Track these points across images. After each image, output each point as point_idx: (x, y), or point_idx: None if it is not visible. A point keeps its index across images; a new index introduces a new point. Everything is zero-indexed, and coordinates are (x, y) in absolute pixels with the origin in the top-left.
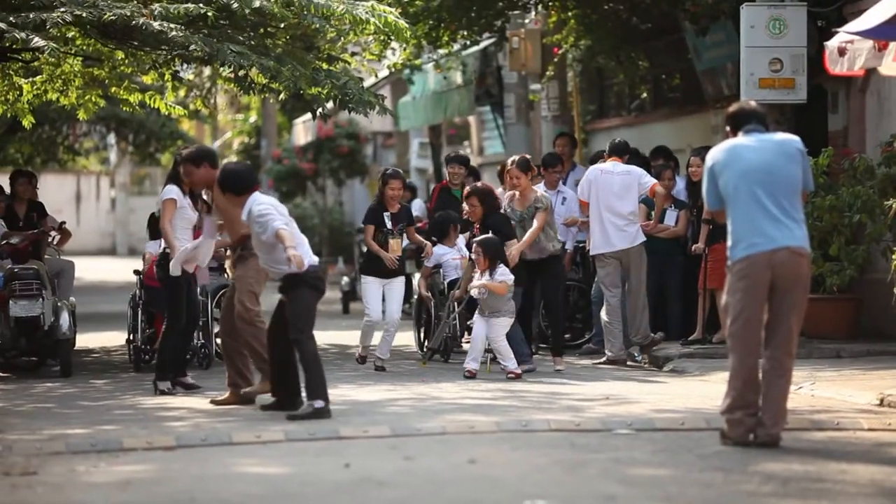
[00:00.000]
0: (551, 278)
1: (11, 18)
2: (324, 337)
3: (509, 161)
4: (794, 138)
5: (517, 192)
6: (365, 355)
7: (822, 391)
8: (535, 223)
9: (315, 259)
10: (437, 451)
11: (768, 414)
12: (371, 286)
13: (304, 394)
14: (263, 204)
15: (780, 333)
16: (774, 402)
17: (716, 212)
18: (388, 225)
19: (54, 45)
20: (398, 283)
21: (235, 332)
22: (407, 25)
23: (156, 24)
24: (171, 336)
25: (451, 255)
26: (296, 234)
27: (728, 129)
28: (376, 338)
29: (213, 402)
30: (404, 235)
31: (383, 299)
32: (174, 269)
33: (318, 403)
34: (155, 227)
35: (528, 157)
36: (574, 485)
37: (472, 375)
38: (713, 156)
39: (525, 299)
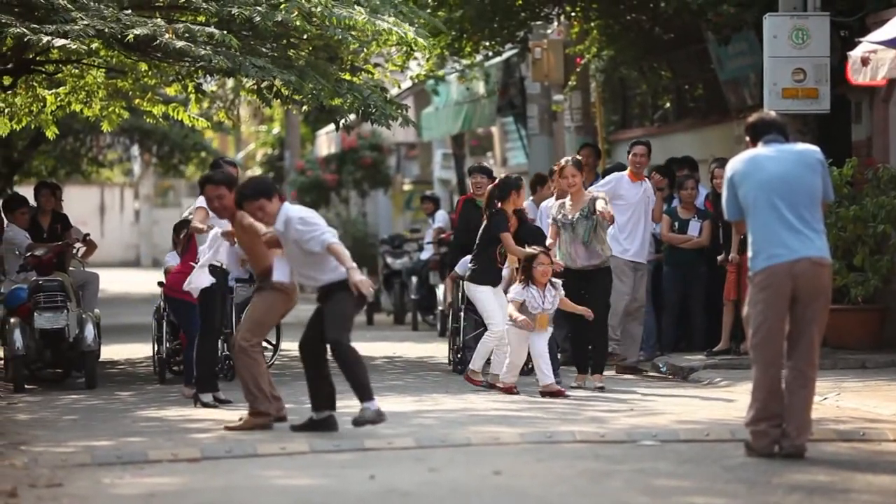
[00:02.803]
0: (600, 290)
1: (34, 26)
2: None
3: (563, 161)
4: (814, 149)
5: (569, 196)
6: (509, 384)
7: (847, 402)
8: (601, 208)
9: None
10: (461, 462)
11: (793, 425)
12: (488, 294)
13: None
14: (304, 210)
15: (803, 344)
16: (798, 412)
17: (735, 222)
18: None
19: (80, 43)
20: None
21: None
22: (425, 44)
23: (178, 44)
24: (206, 347)
25: None
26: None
27: (748, 138)
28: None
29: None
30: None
31: None
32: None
33: (374, 405)
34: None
35: (578, 157)
36: (599, 496)
37: (510, 390)
38: (733, 166)
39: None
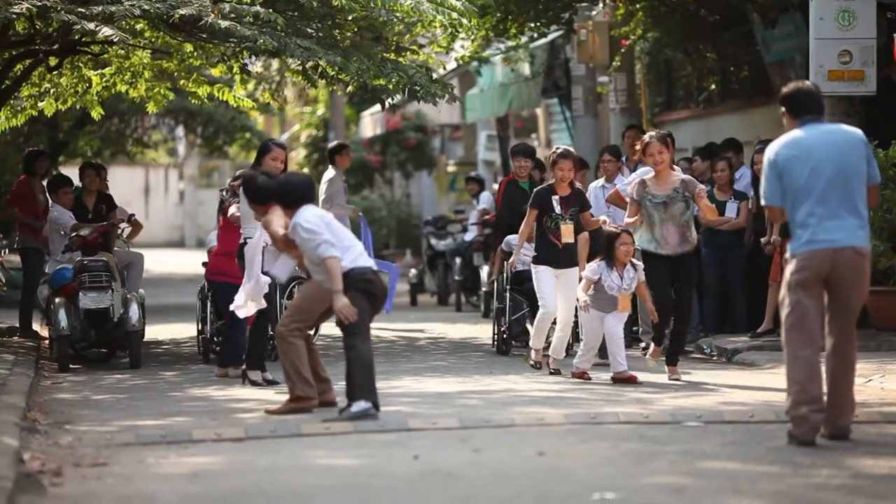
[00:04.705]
0: (688, 278)
1: (81, 9)
2: (392, 329)
3: (646, 137)
4: (857, 131)
5: (654, 174)
6: (540, 360)
7: (892, 384)
8: (702, 205)
9: (365, 262)
10: (505, 443)
11: (836, 407)
12: (544, 275)
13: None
14: (311, 216)
15: (843, 328)
16: (842, 393)
17: (773, 208)
18: (558, 209)
19: (123, 34)
20: (572, 274)
21: None
22: (469, 25)
23: (223, 24)
24: (260, 326)
25: (525, 250)
26: (346, 243)
27: (784, 109)
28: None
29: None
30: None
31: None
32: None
33: (359, 405)
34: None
35: (664, 132)
36: (643, 477)
37: (582, 376)
38: (777, 150)
39: (658, 299)
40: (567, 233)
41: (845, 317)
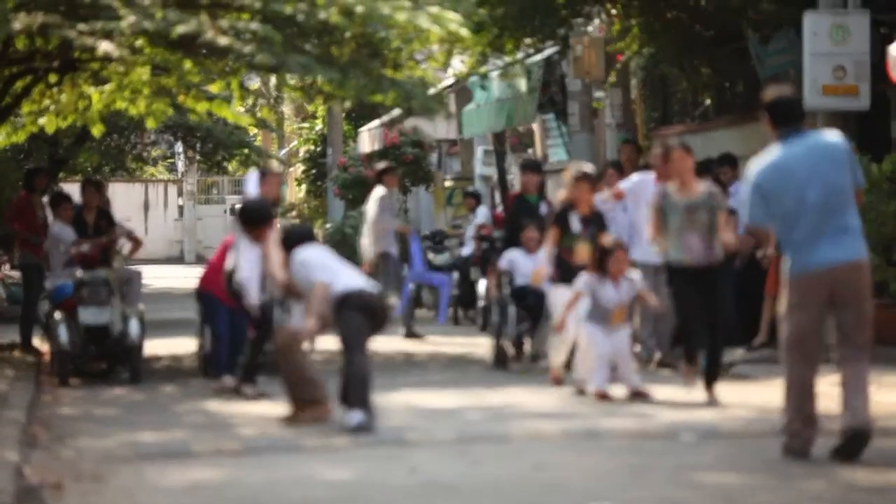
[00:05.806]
0: (715, 288)
1: (80, 26)
2: (390, 343)
3: (668, 143)
4: (838, 140)
5: (678, 181)
6: (560, 377)
7: (886, 397)
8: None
9: (357, 284)
10: (503, 456)
11: (856, 403)
12: (557, 295)
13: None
14: (309, 253)
15: (851, 334)
16: (860, 390)
17: (758, 228)
18: (577, 227)
19: (124, 49)
20: None
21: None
22: (467, 36)
23: (222, 41)
24: (261, 343)
25: (526, 263)
26: (336, 269)
27: (765, 117)
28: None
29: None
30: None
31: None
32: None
33: (356, 417)
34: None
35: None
36: (639, 490)
37: (605, 396)
38: (761, 175)
39: (683, 316)
40: (582, 253)
41: (853, 325)
